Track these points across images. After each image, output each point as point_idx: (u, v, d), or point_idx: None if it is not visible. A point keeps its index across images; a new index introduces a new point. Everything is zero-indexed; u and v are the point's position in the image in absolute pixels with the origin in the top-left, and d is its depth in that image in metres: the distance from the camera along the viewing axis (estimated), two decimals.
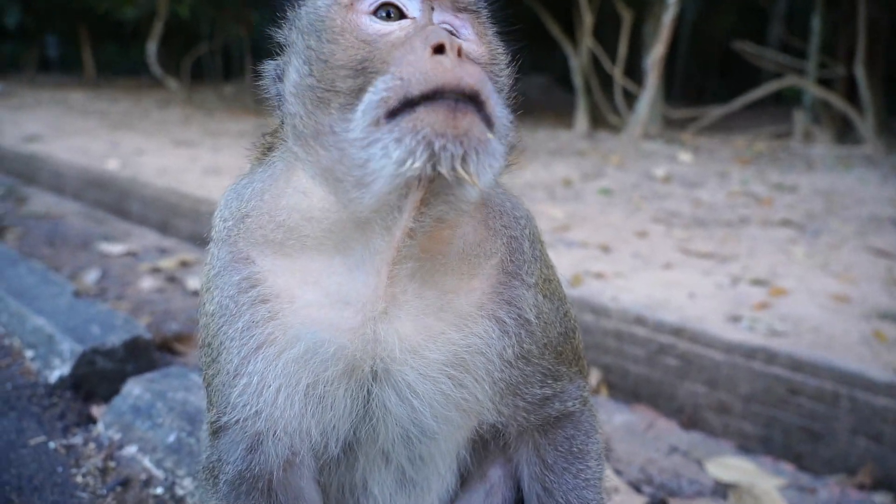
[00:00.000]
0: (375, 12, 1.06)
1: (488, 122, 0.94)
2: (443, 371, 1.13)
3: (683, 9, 14.90)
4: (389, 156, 0.90)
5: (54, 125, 13.39)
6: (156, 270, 5.15)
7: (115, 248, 5.66)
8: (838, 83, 13.26)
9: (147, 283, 4.76)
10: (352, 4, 1.06)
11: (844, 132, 12.72)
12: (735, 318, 4.17)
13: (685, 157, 10.35)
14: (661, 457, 2.74)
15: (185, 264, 5.36)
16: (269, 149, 1.26)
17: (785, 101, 15.99)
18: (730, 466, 2.55)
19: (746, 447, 3.69)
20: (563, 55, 14.90)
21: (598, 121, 14.38)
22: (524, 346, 1.17)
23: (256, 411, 1.12)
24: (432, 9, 1.09)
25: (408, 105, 0.91)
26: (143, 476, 1.76)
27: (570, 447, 1.27)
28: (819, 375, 3.66)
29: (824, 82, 13.26)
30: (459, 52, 0.94)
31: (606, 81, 14.35)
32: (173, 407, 1.92)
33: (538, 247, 1.30)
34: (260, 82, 1.22)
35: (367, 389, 1.14)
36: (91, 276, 4.82)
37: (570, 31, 14.33)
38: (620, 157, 10.44)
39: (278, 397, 1.11)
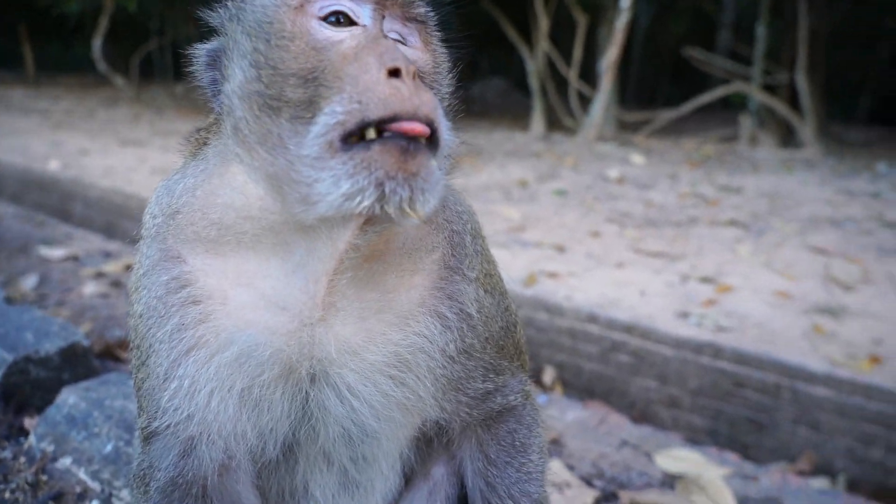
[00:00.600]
0: (325, 18, 1.03)
1: (435, 148, 0.94)
2: (383, 371, 1.11)
3: (637, 14, 15.26)
4: (339, 186, 0.90)
5: None
6: (100, 275, 4.96)
7: (56, 253, 5.43)
8: (782, 89, 13.79)
9: (90, 289, 4.58)
10: (301, 7, 1.03)
11: (787, 136, 13.24)
12: (684, 315, 4.28)
13: (638, 159, 10.58)
14: (613, 451, 2.78)
15: (130, 268, 5.17)
16: (204, 144, 1.21)
17: (732, 106, 16.54)
18: (678, 458, 2.60)
19: (695, 439, 3.79)
20: (520, 58, 15.06)
21: (553, 123, 14.59)
22: (466, 340, 1.17)
23: (188, 415, 1.08)
24: (383, 17, 1.08)
25: (364, 126, 0.91)
26: (78, 489, 1.67)
27: (513, 441, 1.27)
28: (763, 368, 3.79)
29: (769, 88, 13.77)
30: (414, 75, 0.94)
31: (562, 84, 14.57)
32: (111, 415, 1.83)
33: (479, 241, 1.29)
34: (191, 68, 1.17)
35: (305, 391, 1.11)
36: (29, 282, 4.61)
37: (527, 34, 14.50)
38: (575, 158, 10.60)
39: (211, 400, 1.07)
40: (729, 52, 19.78)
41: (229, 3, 1.14)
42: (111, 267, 5.12)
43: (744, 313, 4.36)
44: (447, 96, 1.16)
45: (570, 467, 2.50)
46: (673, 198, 7.95)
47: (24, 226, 6.42)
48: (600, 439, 2.90)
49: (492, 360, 1.23)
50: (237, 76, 1.04)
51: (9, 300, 2.71)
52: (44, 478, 1.76)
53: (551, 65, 14.23)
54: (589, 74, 15.93)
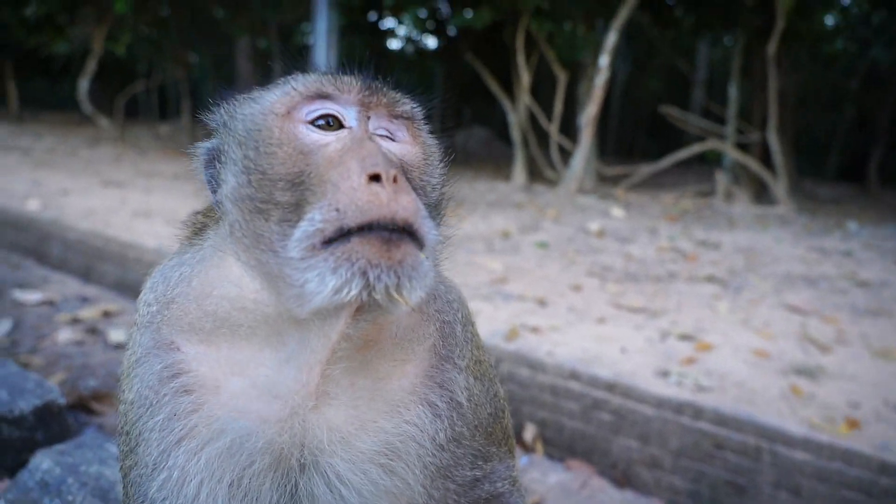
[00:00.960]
0: (313, 122, 1.07)
1: (420, 243, 0.97)
2: (373, 460, 1.11)
3: (615, 71, 15.81)
4: (325, 283, 0.93)
5: None
6: (75, 321, 4.86)
7: (31, 297, 5.33)
8: (754, 147, 14.28)
9: (64, 335, 4.49)
10: (289, 114, 1.07)
11: (761, 192, 13.64)
12: (664, 373, 4.31)
13: (618, 212, 10.79)
14: None
15: (108, 314, 5.09)
16: (201, 229, 1.24)
17: (708, 161, 17.06)
18: None
19: (676, 503, 3.76)
20: (502, 109, 15.44)
21: (535, 174, 14.86)
22: (456, 428, 1.18)
23: None
24: (368, 117, 1.12)
25: (343, 235, 0.94)
26: None
27: None
28: (743, 430, 3.80)
29: (742, 146, 14.25)
30: (395, 178, 0.97)
31: (543, 136, 14.93)
32: (86, 482, 1.78)
33: (470, 329, 1.31)
34: (193, 165, 1.20)
35: (295, 480, 1.10)
36: (2, 328, 4.51)
37: (509, 87, 14.91)
38: (557, 210, 10.78)
39: (200, 492, 1.05)
40: (703, 108, 20.51)
41: (222, 109, 1.18)
42: (87, 313, 5.03)
43: (723, 372, 4.40)
44: (438, 186, 1.19)
45: None
46: (652, 252, 8.09)
47: None
48: None
49: (480, 447, 1.24)
50: (230, 181, 1.08)
51: None
52: None
53: (532, 117, 14.60)
54: (569, 127, 16.36)
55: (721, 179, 13.32)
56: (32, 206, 8.59)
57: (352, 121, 1.09)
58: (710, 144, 13.75)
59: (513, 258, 7.25)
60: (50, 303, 5.30)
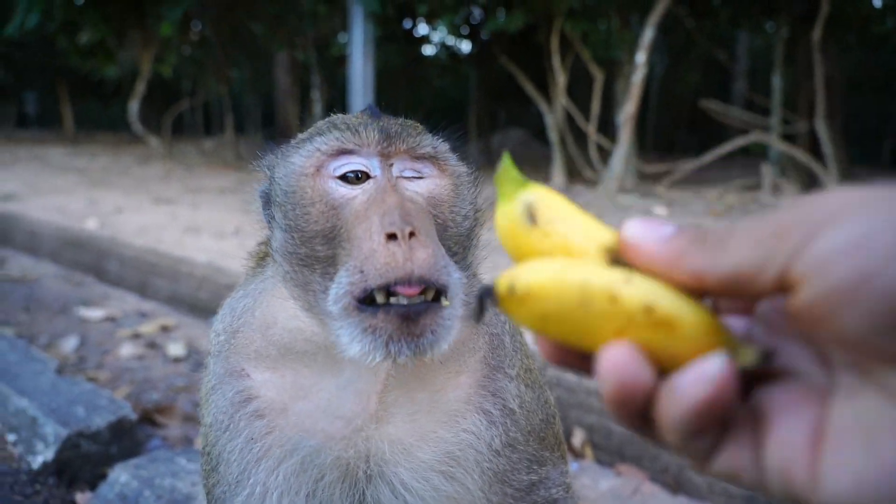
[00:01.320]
0: (341, 177, 1.16)
1: (444, 291, 1.06)
2: (434, 468, 1.19)
3: (652, 67, 15.57)
4: (353, 345, 1.05)
5: (31, 183, 13.33)
6: (136, 336, 5.09)
7: (94, 314, 5.60)
8: (802, 137, 13.85)
9: (126, 350, 4.70)
10: (318, 171, 1.17)
11: (810, 184, 13.22)
12: None
13: (660, 210, 10.63)
14: None
15: (165, 329, 5.31)
16: (263, 258, 1.35)
17: (752, 154, 16.61)
18: None
19: None
20: (538, 110, 15.39)
21: (574, 174, 14.75)
22: (510, 434, 1.24)
23: None
24: (391, 164, 1.19)
25: (368, 293, 1.04)
26: None
27: None
28: None
29: (788, 137, 13.84)
30: (412, 233, 1.04)
31: (581, 136, 14.80)
32: (161, 495, 1.89)
33: (518, 339, 1.37)
34: (252, 205, 1.32)
35: (363, 490, 1.19)
36: (70, 344, 4.75)
37: (544, 87, 14.84)
38: (597, 210, 10.69)
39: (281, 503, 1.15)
40: (745, 99, 19.99)
41: (268, 160, 1.30)
42: (146, 328, 5.26)
43: None
44: (472, 211, 1.27)
45: None
46: None
47: (63, 286, 6.64)
48: None
49: (534, 452, 1.29)
50: (277, 237, 1.20)
51: (59, 371, 2.81)
52: None
53: (569, 117, 14.50)
54: (607, 126, 16.18)
55: (767, 172, 12.96)
56: (90, 224, 9.01)
57: (375, 170, 1.17)
58: (755, 137, 13.40)
59: None
60: (111, 319, 5.56)
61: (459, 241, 1.24)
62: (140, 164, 17.96)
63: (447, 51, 22.76)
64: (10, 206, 10.42)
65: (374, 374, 1.16)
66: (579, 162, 14.46)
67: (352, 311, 1.05)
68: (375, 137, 1.17)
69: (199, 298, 6.86)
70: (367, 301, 1.04)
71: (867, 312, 0.44)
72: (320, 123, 1.28)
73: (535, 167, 17.35)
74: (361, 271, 1.04)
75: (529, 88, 14.65)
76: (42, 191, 12.31)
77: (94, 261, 8.21)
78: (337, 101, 21.29)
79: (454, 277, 1.08)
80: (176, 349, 4.74)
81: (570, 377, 4.55)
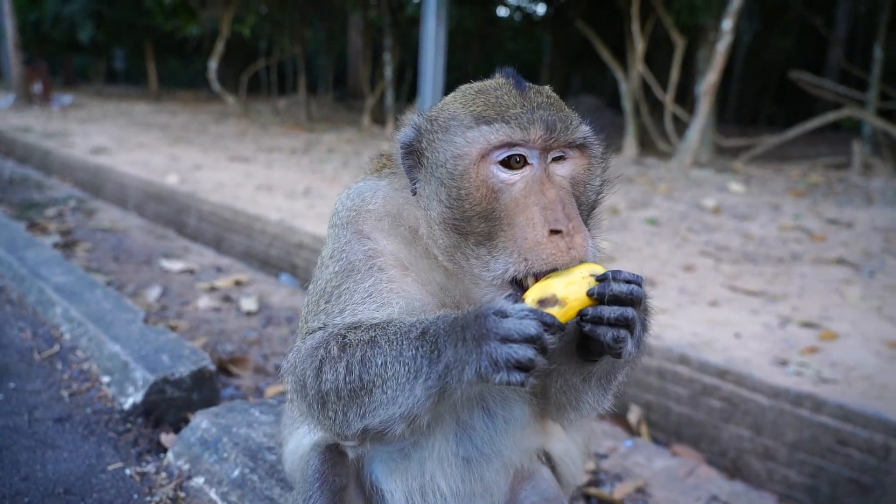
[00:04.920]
0: (502, 162, 1.32)
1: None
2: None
3: (739, 32, 14.69)
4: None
5: (119, 138, 14.10)
6: (212, 289, 5.38)
7: (175, 266, 5.94)
8: None
9: (204, 302, 4.98)
10: (483, 158, 1.31)
11: None
12: (782, 362, 4.12)
13: (736, 187, 10.18)
14: None
15: (239, 284, 5.58)
16: (381, 168, 1.60)
17: (843, 130, 15.54)
18: None
19: (791, 497, 3.64)
20: (613, 77, 14.87)
21: (647, 146, 14.27)
22: None
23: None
24: (548, 153, 1.34)
25: (528, 275, 1.27)
26: None
27: None
28: (870, 427, 3.58)
29: (886, 113, 12.85)
30: (573, 227, 1.25)
31: (656, 105, 14.25)
32: (237, 442, 2.05)
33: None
34: (393, 143, 1.50)
35: None
36: (153, 293, 5.08)
37: (621, 54, 14.30)
38: (669, 185, 10.34)
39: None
40: (840, 70, 18.62)
41: (419, 123, 1.44)
42: (222, 282, 5.55)
43: (850, 364, 4.13)
44: (602, 185, 1.48)
45: None
46: (774, 231, 7.60)
47: (148, 238, 7.07)
48: (688, 492, 2.87)
49: None
50: (434, 206, 1.38)
51: (146, 321, 3.04)
52: (181, 494, 1.99)
53: (645, 85, 13.96)
54: (685, 95, 15.48)
55: (859, 150, 12.12)
56: (172, 180, 9.49)
57: (534, 159, 1.32)
58: (848, 112, 12.51)
59: (621, 236, 7.10)
60: (190, 271, 5.89)
61: (587, 209, 1.43)
62: (217, 121, 18.62)
63: (521, 13, 22.20)
64: (102, 158, 11.09)
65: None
66: (653, 133, 13.95)
67: (506, 287, 1.28)
68: (541, 135, 1.30)
69: (270, 255, 7.16)
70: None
71: None
72: (478, 99, 1.39)
73: (606, 137, 16.84)
74: (526, 259, 1.25)
75: (606, 54, 14.15)
76: (128, 145, 13.02)
77: (174, 215, 8.68)
78: (408, 63, 21.23)
79: (593, 249, 1.29)
80: (249, 304, 4.99)
81: None
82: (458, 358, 1.20)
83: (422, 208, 1.41)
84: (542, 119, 1.30)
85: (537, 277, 1.25)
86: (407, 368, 1.25)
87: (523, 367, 1.15)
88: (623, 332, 1.24)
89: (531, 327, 1.15)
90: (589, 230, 1.39)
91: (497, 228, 1.30)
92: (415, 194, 1.44)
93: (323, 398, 1.34)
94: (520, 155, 1.31)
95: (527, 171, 1.31)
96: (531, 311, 1.18)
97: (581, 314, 1.23)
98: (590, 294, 1.22)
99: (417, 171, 1.43)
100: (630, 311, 1.24)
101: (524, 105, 1.33)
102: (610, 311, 1.22)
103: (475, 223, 1.31)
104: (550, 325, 1.16)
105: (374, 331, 1.32)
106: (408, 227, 1.47)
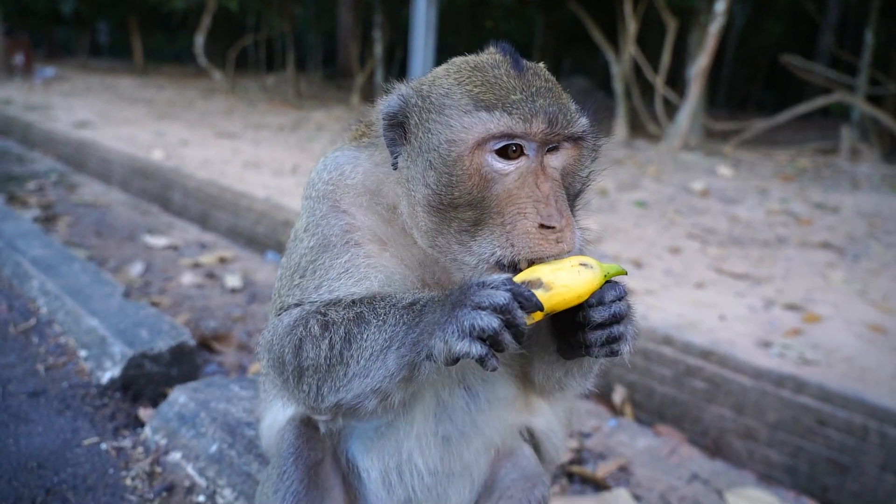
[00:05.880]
0: (498, 151, 1.27)
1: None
2: None
3: (731, 16, 14.62)
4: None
5: (103, 112, 13.84)
6: (196, 266, 5.32)
7: (159, 242, 5.86)
8: (890, 99, 12.87)
9: (187, 279, 4.93)
10: (480, 146, 1.26)
11: (894, 151, 12.35)
12: (765, 344, 4.15)
13: (725, 170, 10.19)
14: (683, 484, 2.77)
15: (223, 260, 5.52)
16: (360, 137, 1.53)
17: (832, 115, 15.58)
18: (750, 499, 2.56)
19: (771, 476, 3.68)
20: (604, 59, 14.77)
21: (637, 128, 14.24)
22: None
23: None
24: (546, 147, 1.30)
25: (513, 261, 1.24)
26: (187, 483, 1.87)
27: None
28: (849, 408, 3.62)
29: (875, 99, 12.88)
30: (562, 213, 1.23)
31: (647, 88, 14.19)
32: (216, 417, 2.02)
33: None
34: (376, 112, 1.44)
35: None
36: (136, 269, 5.01)
37: (613, 36, 14.20)
38: (658, 167, 10.34)
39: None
40: (830, 55, 18.63)
41: (406, 95, 1.37)
42: (206, 258, 5.49)
43: (832, 346, 4.17)
44: (590, 172, 1.45)
45: (638, 498, 2.52)
46: (761, 214, 7.63)
47: (132, 213, 6.96)
48: (670, 470, 2.88)
49: None
50: (419, 189, 1.33)
51: (126, 295, 2.99)
52: (158, 469, 1.96)
53: (637, 68, 13.88)
54: (676, 78, 15.43)
55: (847, 135, 12.17)
56: (157, 155, 9.34)
57: (531, 151, 1.28)
58: (838, 97, 12.52)
59: (609, 217, 7.10)
60: (174, 247, 5.81)
61: (575, 195, 1.42)
62: (204, 97, 18.33)
63: None
64: (86, 133, 10.88)
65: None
66: (644, 116, 13.91)
67: (493, 269, 1.25)
68: (543, 128, 1.26)
69: (256, 233, 7.08)
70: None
71: None
72: (474, 77, 1.31)
73: (599, 124, 16.77)
74: (513, 245, 1.23)
75: (597, 36, 14.03)
76: (113, 120, 12.79)
77: (159, 190, 8.55)
78: (399, 42, 20.97)
79: (579, 240, 1.28)
80: (233, 280, 4.94)
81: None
82: (432, 322, 1.18)
83: (404, 188, 1.36)
84: (545, 111, 1.25)
85: (531, 263, 1.23)
86: (385, 335, 1.23)
87: (487, 338, 1.11)
88: (616, 346, 1.27)
89: (501, 297, 1.11)
90: (574, 215, 1.40)
91: (485, 216, 1.27)
92: (395, 168, 1.38)
93: (300, 374, 1.32)
94: (517, 145, 1.26)
95: (522, 161, 1.27)
96: (508, 282, 1.15)
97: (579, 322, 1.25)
98: (579, 321, 1.25)
99: (401, 145, 1.36)
100: (616, 329, 1.26)
101: (524, 91, 1.27)
102: (598, 336, 1.25)
103: (462, 210, 1.28)
104: (526, 298, 1.12)
105: (360, 306, 1.29)
106: (386, 204, 1.42)
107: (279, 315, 1.42)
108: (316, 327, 1.30)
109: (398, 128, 1.36)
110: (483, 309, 1.12)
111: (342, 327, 1.27)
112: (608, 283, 1.27)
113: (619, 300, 1.27)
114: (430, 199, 1.29)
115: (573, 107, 1.36)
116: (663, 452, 3.04)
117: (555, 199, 1.24)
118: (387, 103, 1.37)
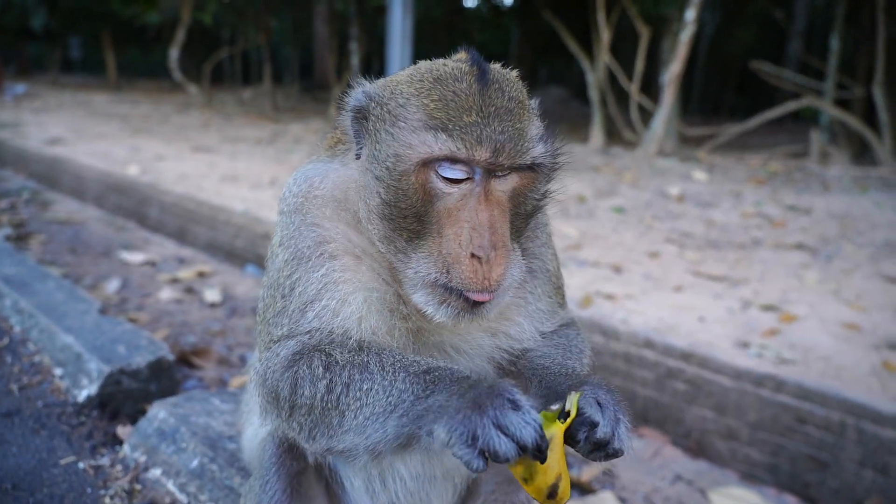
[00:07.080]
0: (444, 175, 1.28)
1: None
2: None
3: (702, 24, 14.91)
4: (429, 307, 1.30)
5: (76, 128, 13.65)
6: (174, 281, 5.25)
7: (136, 258, 5.78)
8: (857, 103, 13.20)
9: (165, 294, 4.86)
10: (426, 165, 1.27)
11: (862, 153, 12.66)
12: (744, 345, 4.20)
13: (700, 175, 10.36)
14: (666, 485, 2.79)
15: (202, 275, 5.46)
16: (335, 145, 1.54)
17: (802, 119, 15.94)
18: (733, 497, 2.59)
19: (753, 475, 3.72)
20: (579, 67, 14.96)
21: (613, 135, 14.42)
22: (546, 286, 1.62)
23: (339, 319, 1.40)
24: (492, 173, 1.28)
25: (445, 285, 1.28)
26: (168, 500, 1.83)
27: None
28: (827, 405, 3.68)
29: (842, 103, 13.20)
30: (495, 254, 1.24)
31: (622, 95, 14.39)
32: (196, 432, 1.99)
33: (548, 229, 1.67)
34: (340, 118, 1.47)
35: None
36: (112, 286, 4.93)
37: (588, 44, 14.39)
38: (635, 174, 10.47)
39: (357, 308, 1.40)
40: (799, 61, 19.07)
41: (373, 95, 1.38)
42: (184, 273, 5.42)
43: (808, 345, 4.24)
44: (544, 195, 1.44)
45: (623, 500, 2.53)
46: (736, 217, 7.76)
47: (107, 229, 6.86)
48: (654, 472, 2.90)
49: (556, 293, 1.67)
50: (372, 197, 1.35)
51: (102, 311, 2.94)
52: (137, 486, 1.93)
53: (612, 76, 14.08)
54: (650, 85, 15.67)
55: (816, 139, 12.44)
56: (132, 171, 9.22)
57: (476, 175, 1.28)
58: (807, 101, 12.82)
59: (588, 223, 7.17)
60: (151, 263, 5.74)
61: (527, 218, 1.41)
62: (180, 112, 18.17)
63: (488, 3, 22.15)
64: (58, 150, 10.71)
65: None
66: (619, 122, 14.10)
67: (429, 287, 1.28)
68: (487, 157, 1.25)
69: (235, 247, 7.02)
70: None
71: None
72: (433, 91, 1.30)
73: (573, 128, 16.98)
74: (447, 271, 1.26)
75: (572, 45, 14.22)
76: (87, 136, 12.61)
77: (135, 206, 8.44)
78: (375, 53, 21.02)
79: (515, 275, 1.30)
80: (212, 295, 4.89)
81: (598, 340, 4.57)
82: (443, 405, 1.14)
83: (361, 195, 1.38)
84: (493, 139, 1.23)
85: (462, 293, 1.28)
86: (390, 399, 1.20)
87: (492, 457, 1.07)
88: (614, 456, 1.25)
89: (529, 437, 1.06)
90: (523, 237, 1.43)
91: (427, 231, 1.29)
92: (358, 158, 1.41)
93: (292, 411, 1.30)
94: (463, 175, 1.26)
95: (466, 185, 1.27)
96: (540, 426, 1.10)
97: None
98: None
99: (364, 137, 1.38)
100: (609, 448, 1.22)
101: (480, 112, 1.24)
102: (595, 457, 1.23)
103: (409, 221, 1.30)
104: (541, 452, 1.08)
105: (367, 355, 1.28)
106: (353, 211, 1.43)
107: (273, 348, 1.39)
108: (319, 368, 1.28)
109: (363, 121, 1.38)
110: (505, 434, 1.06)
111: (346, 371, 1.25)
112: (577, 418, 1.20)
113: (594, 427, 1.20)
114: (381, 208, 1.32)
115: (531, 131, 1.32)
116: (647, 454, 3.06)
117: (490, 230, 1.24)
118: (353, 97, 1.41)
